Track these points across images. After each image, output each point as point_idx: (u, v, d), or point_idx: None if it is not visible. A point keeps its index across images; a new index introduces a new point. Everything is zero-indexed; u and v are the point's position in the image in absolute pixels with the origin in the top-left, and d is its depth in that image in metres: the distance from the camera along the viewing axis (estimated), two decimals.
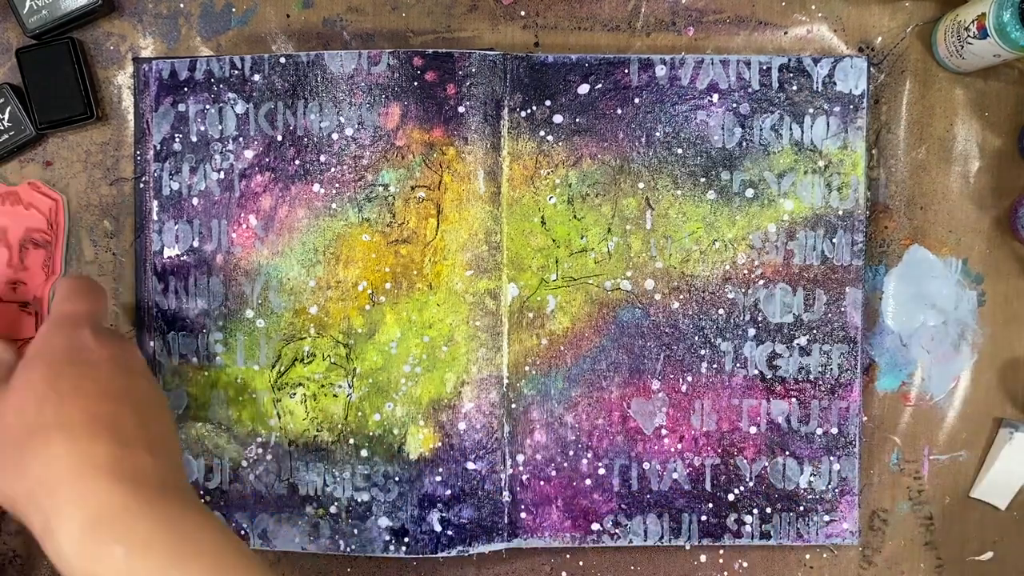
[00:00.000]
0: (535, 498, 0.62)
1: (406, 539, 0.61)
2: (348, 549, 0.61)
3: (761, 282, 0.62)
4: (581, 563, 0.64)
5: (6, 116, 0.61)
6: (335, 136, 0.60)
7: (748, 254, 0.62)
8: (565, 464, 0.62)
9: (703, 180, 0.62)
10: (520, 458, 0.62)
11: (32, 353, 0.50)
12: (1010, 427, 0.64)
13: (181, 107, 0.61)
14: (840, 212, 0.62)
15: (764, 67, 0.61)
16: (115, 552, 0.42)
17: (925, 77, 0.64)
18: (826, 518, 0.63)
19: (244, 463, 0.62)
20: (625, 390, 0.62)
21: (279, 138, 0.61)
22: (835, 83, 0.61)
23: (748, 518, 0.63)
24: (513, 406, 0.62)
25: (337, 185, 0.61)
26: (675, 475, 0.62)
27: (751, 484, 0.62)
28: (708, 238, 0.62)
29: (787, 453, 0.62)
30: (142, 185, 0.62)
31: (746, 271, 0.62)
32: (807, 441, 0.62)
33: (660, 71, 0.61)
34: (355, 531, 0.61)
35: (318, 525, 0.62)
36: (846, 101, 0.61)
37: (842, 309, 0.62)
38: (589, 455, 0.62)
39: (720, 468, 0.62)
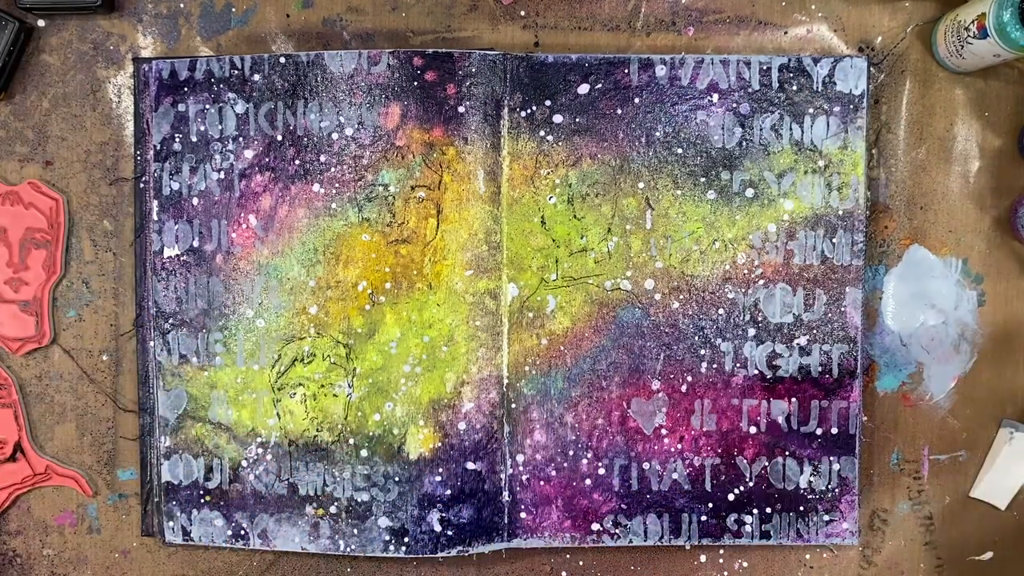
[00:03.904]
0: (535, 498, 0.62)
1: (406, 539, 0.61)
2: (348, 549, 0.61)
3: (761, 282, 0.62)
4: (581, 563, 0.64)
5: None
6: (335, 136, 0.60)
7: (748, 254, 0.62)
8: (565, 464, 0.62)
9: (703, 180, 0.62)
10: (520, 458, 0.62)
11: None
12: (1010, 427, 0.64)
13: (181, 107, 0.61)
14: (840, 212, 0.62)
15: (764, 67, 0.61)
16: None
17: (925, 77, 0.64)
18: (826, 518, 0.63)
19: (244, 463, 0.62)
20: (625, 390, 0.62)
21: (279, 138, 0.61)
22: (835, 83, 0.61)
23: (748, 518, 0.63)
24: (513, 406, 0.62)
25: (337, 185, 0.61)
26: (675, 475, 0.62)
27: (751, 484, 0.62)
28: (708, 238, 0.62)
29: (787, 453, 0.62)
30: (142, 185, 0.62)
31: (746, 271, 0.62)
32: (807, 441, 0.62)
33: (660, 71, 0.61)
34: (355, 531, 0.61)
35: (318, 525, 0.62)
36: (846, 101, 0.61)
37: (842, 309, 0.62)
38: (589, 455, 0.62)
39: (720, 468, 0.62)
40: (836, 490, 0.62)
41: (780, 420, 0.62)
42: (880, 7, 0.64)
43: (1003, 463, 0.64)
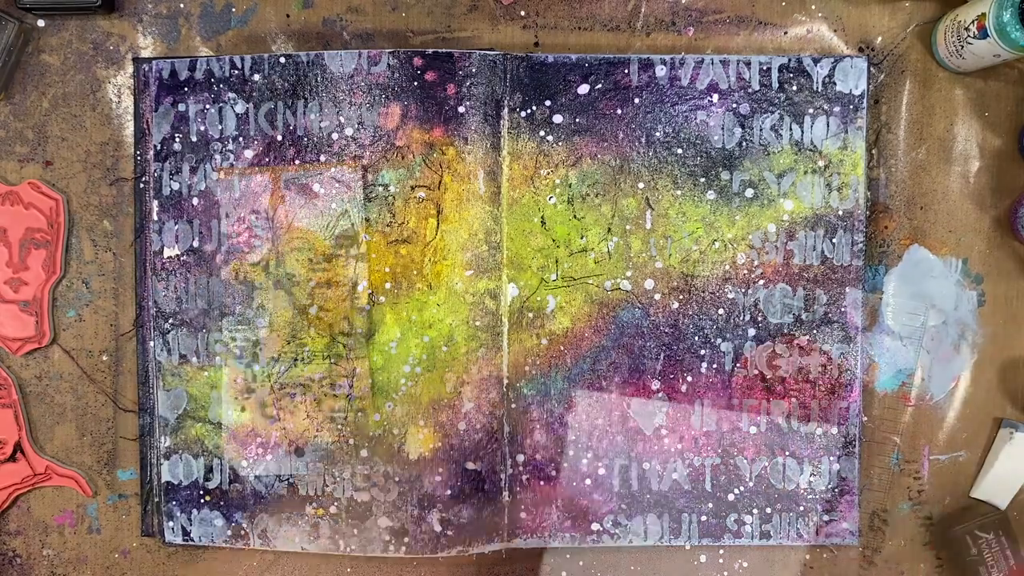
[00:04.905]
0: (535, 498, 0.62)
1: (406, 539, 0.61)
2: (348, 549, 0.62)
3: (761, 282, 0.62)
4: (581, 563, 0.64)
5: None
6: (335, 136, 0.60)
7: (748, 254, 0.62)
8: (565, 464, 0.62)
9: (703, 180, 0.62)
10: (520, 458, 0.62)
11: None
12: (1010, 427, 0.64)
13: (181, 107, 0.61)
14: (840, 212, 0.62)
15: (764, 67, 0.61)
16: None
17: (925, 77, 0.64)
18: (826, 518, 0.63)
19: (244, 463, 0.62)
20: (625, 390, 0.62)
21: (279, 138, 0.61)
22: (835, 83, 0.61)
23: (748, 518, 0.63)
24: (513, 406, 0.62)
25: (337, 185, 0.61)
26: (675, 475, 0.62)
27: (751, 484, 0.62)
28: (708, 238, 0.62)
29: (787, 453, 0.62)
30: (142, 185, 0.63)
31: (746, 271, 0.62)
32: (807, 441, 0.62)
33: (660, 71, 0.61)
34: (355, 531, 0.61)
35: (318, 525, 0.62)
36: (846, 101, 0.61)
37: (842, 309, 0.62)
38: (589, 455, 0.62)
39: (720, 468, 0.62)
40: (836, 490, 0.62)
41: (780, 420, 0.62)
42: (880, 7, 0.64)
43: (1003, 463, 0.64)
